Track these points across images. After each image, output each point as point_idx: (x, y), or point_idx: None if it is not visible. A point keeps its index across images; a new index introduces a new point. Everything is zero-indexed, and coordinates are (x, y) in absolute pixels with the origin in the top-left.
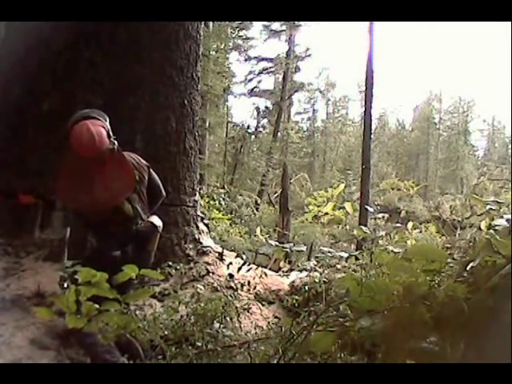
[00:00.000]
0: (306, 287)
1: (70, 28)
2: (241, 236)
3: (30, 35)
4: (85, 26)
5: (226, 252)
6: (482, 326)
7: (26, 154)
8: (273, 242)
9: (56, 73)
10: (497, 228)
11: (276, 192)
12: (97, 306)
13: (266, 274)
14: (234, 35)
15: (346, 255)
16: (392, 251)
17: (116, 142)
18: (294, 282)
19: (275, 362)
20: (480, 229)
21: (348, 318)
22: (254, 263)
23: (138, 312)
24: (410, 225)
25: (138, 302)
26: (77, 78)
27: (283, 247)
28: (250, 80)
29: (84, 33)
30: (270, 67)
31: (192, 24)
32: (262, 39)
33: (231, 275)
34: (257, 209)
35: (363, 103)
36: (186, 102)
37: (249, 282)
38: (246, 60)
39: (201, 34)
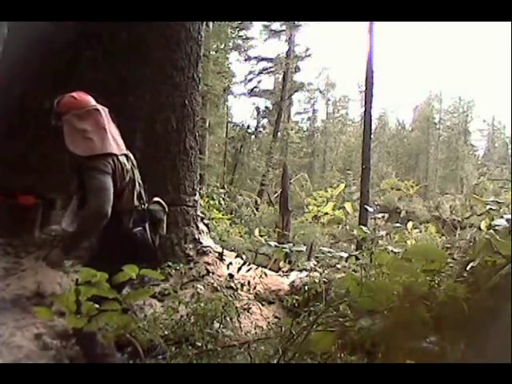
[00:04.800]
0: (306, 287)
1: (72, 27)
2: (241, 236)
3: (32, 35)
4: (86, 26)
5: (226, 252)
6: (482, 326)
7: (27, 152)
8: (272, 243)
9: (57, 72)
10: (497, 228)
11: (276, 192)
12: (97, 305)
13: (265, 274)
14: (234, 35)
15: (345, 255)
16: (392, 251)
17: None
18: (293, 281)
19: (275, 361)
20: (480, 229)
21: (348, 318)
22: (253, 263)
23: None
24: (409, 225)
25: (138, 302)
26: (78, 77)
27: (283, 247)
28: (250, 80)
29: (85, 32)
30: (270, 67)
31: (193, 25)
32: (262, 39)
33: (231, 275)
34: (257, 209)
35: (363, 103)
36: (186, 102)
37: (249, 282)
38: (246, 60)
39: (202, 34)
